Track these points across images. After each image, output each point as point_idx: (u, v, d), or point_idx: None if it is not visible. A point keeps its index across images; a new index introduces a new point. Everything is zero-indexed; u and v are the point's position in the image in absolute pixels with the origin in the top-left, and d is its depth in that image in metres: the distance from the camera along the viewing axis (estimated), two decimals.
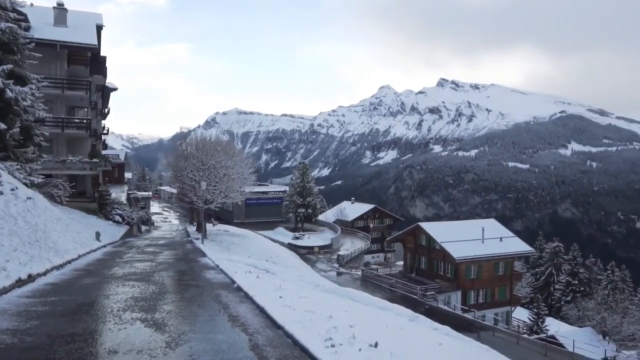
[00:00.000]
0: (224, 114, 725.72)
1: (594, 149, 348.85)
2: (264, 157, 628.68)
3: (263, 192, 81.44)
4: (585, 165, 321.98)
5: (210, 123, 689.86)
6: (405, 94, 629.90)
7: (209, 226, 45.64)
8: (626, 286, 72.12)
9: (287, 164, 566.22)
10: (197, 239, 35.57)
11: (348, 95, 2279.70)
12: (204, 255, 25.17)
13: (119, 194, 50.38)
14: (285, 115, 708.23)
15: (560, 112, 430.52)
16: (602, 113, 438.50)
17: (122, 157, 64.77)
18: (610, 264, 76.47)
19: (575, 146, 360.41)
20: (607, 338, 48.78)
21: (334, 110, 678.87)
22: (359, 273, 54.93)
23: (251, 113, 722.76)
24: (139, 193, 76.89)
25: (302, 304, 11.05)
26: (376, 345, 7.53)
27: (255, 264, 24.57)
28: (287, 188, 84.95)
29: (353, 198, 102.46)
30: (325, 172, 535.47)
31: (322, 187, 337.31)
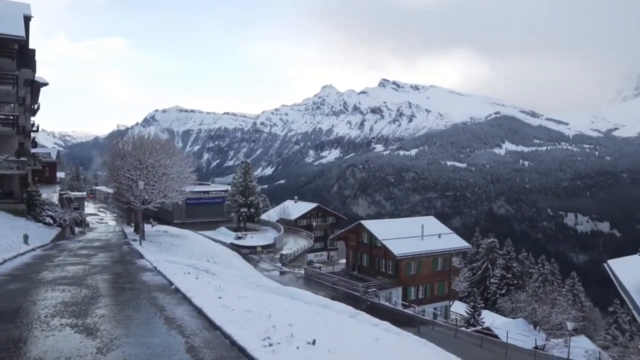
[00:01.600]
0: (164, 111, 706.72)
1: (526, 149, 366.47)
2: (206, 156, 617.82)
3: (204, 192, 79.97)
4: (518, 164, 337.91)
5: (149, 121, 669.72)
6: (347, 93, 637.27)
7: (147, 227, 44.32)
8: (555, 278, 76.41)
9: (230, 163, 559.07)
10: (135, 240, 34.43)
11: (291, 94, 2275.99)
12: (141, 257, 24.39)
13: (50, 194, 47.92)
14: (227, 113, 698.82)
15: (495, 113, 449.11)
16: (534, 114, 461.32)
17: (53, 156, 61.56)
18: (540, 258, 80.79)
19: (509, 146, 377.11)
20: (537, 328, 51.36)
21: (277, 109, 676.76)
22: (302, 272, 54.95)
23: (192, 111, 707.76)
24: (73, 193, 73.46)
25: (241, 304, 10.92)
26: (314, 342, 7.55)
27: (196, 264, 24.06)
28: (229, 187, 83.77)
29: (296, 197, 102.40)
30: (269, 171, 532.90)
31: (265, 186, 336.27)
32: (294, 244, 71.24)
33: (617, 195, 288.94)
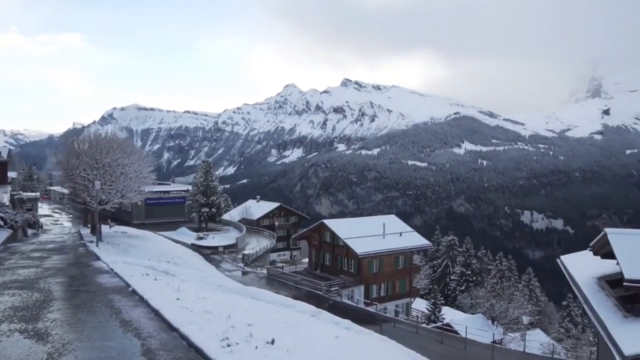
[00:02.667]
0: (122, 109, 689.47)
1: (484, 148, 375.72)
2: (166, 155, 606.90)
3: (164, 192, 78.47)
4: (477, 164, 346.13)
5: (107, 119, 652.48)
6: (310, 93, 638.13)
7: (104, 228, 43.14)
8: (512, 274, 78.60)
9: (191, 163, 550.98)
10: (91, 242, 33.47)
11: (254, 93, 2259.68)
12: (97, 258, 23.73)
13: (0, 195, 46.03)
14: (188, 112, 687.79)
15: (455, 113, 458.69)
16: (491, 115, 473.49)
17: (4, 155, 59.02)
18: (498, 255, 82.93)
19: (468, 145, 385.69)
20: (495, 323, 52.76)
21: (239, 108, 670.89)
22: (265, 272, 54.65)
23: (152, 109, 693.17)
24: (25, 194, 70.72)
25: (200, 305, 10.75)
26: (273, 342, 7.50)
27: (155, 266, 23.60)
28: (190, 187, 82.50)
29: (258, 197, 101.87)
30: (231, 170, 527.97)
31: (227, 185, 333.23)
32: (256, 244, 70.78)
33: (570, 193, 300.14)
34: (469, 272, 73.68)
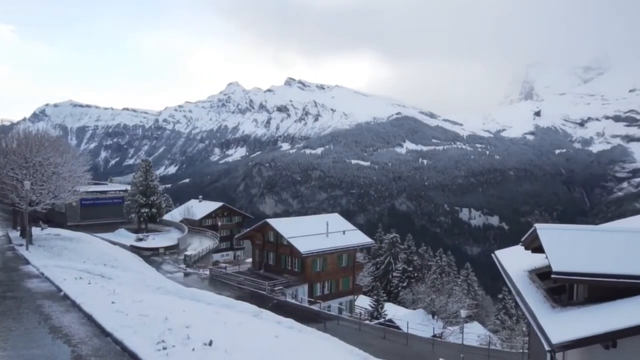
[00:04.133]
0: (56, 106, 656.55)
1: (424, 148, 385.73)
2: (104, 154, 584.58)
3: (101, 192, 75.64)
4: (418, 163, 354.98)
5: (39, 116, 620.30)
6: (254, 91, 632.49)
7: (36, 230, 41.00)
8: (451, 270, 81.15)
9: (130, 162, 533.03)
10: (21, 245, 31.73)
11: (196, 90, 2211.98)
12: (27, 262, 22.51)
13: None
14: (127, 109, 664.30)
15: (397, 113, 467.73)
16: (432, 115, 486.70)
17: None
18: (438, 251, 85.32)
19: (409, 145, 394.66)
20: (435, 317, 54.34)
21: (180, 106, 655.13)
22: (207, 272, 53.82)
23: (88, 106, 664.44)
24: None
25: (137, 308, 10.39)
26: (211, 343, 7.35)
27: (90, 269, 22.66)
28: (129, 187, 79.82)
29: (201, 196, 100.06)
30: (172, 169, 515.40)
31: (169, 185, 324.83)
32: (198, 245, 69.63)
33: (505, 191, 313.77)
34: (411, 269, 75.36)
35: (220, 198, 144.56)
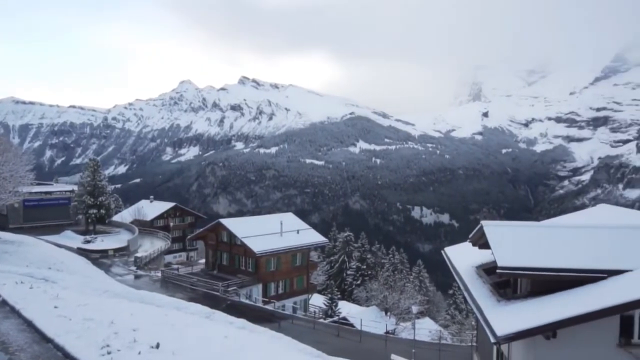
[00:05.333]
0: None
1: (377, 147, 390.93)
2: (49, 153, 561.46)
3: (46, 193, 72.80)
4: (371, 162, 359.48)
5: None
6: (207, 90, 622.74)
7: None
8: (404, 267, 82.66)
9: (77, 161, 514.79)
10: None
11: (147, 88, 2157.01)
12: None
13: None
14: (74, 106, 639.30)
15: (350, 113, 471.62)
16: (384, 115, 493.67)
17: None
18: (391, 249, 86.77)
19: (362, 144, 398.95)
20: (388, 314, 55.20)
21: (130, 104, 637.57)
22: (159, 274, 52.64)
23: (32, 103, 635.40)
24: None
25: (81, 312, 10.03)
26: (158, 346, 7.20)
27: (33, 273, 21.72)
28: (75, 187, 77.06)
29: (152, 197, 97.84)
30: (122, 169, 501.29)
31: (119, 185, 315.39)
32: (150, 246, 68.08)
33: (455, 189, 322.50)
34: (364, 267, 76.19)
35: (173, 198, 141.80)
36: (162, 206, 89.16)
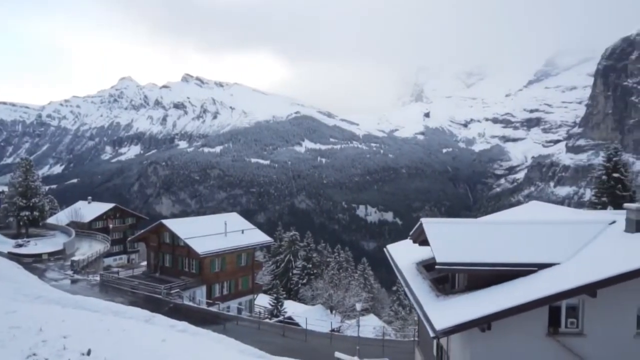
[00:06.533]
0: None
1: (323, 147, 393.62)
2: None
3: None
4: (317, 161, 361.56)
5: None
6: (148, 87, 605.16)
7: None
8: (349, 265, 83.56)
9: (8, 160, 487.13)
10: None
11: (84, 84, 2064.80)
12: None
13: None
14: (4, 103, 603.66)
15: (296, 112, 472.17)
16: (330, 115, 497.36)
17: None
18: (336, 247, 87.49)
19: (308, 144, 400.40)
20: (333, 312, 55.65)
21: (67, 100, 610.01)
22: (98, 278, 50.73)
23: None
24: None
25: (7, 320, 9.46)
26: (89, 353, 6.93)
27: None
28: (6, 188, 72.99)
29: (90, 197, 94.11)
30: (58, 169, 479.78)
31: (54, 186, 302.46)
32: (88, 249, 65.58)
33: (398, 188, 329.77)
34: (310, 266, 76.43)
35: (113, 199, 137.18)
36: (101, 207, 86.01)
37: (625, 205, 15.81)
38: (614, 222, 16.11)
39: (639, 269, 12.53)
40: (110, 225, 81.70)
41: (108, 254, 70.16)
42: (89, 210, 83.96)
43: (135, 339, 8.97)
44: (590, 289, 12.89)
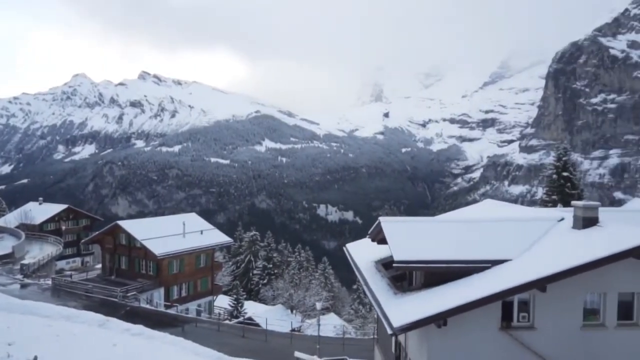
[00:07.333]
0: None
1: (283, 146, 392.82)
2: None
3: None
4: (277, 161, 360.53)
5: None
6: (103, 84, 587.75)
7: None
8: (309, 265, 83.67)
9: None
10: None
11: (35, 81, 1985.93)
12: None
13: None
14: None
15: (256, 112, 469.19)
16: (290, 114, 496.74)
17: None
18: (297, 247, 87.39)
19: (268, 143, 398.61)
20: (294, 311, 55.68)
21: (16, 97, 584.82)
22: (50, 282, 48.98)
23: None
24: None
25: None
26: (35, 359, 6.69)
27: None
28: None
29: (41, 198, 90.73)
30: (6, 169, 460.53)
31: (2, 186, 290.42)
32: (39, 252, 63.21)
33: (358, 187, 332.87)
34: (271, 266, 76.16)
35: (66, 200, 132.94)
36: (53, 208, 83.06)
37: (573, 203, 16.50)
38: (562, 219, 16.75)
39: (585, 264, 13.08)
40: (63, 227, 79.07)
41: (61, 257, 67.90)
42: (40, 211, 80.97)
43: (85, 344, 8.72)
44: (540, 284, 13.37)
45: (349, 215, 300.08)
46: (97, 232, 57.16)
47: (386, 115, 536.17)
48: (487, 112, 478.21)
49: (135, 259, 49.10)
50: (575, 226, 15.77)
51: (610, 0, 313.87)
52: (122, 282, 46.69)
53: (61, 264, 71.12)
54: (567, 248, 14.79)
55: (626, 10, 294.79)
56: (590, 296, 14.34)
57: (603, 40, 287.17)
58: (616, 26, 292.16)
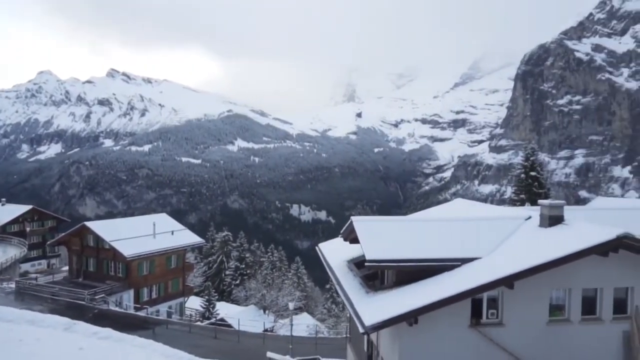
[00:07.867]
0: None
1: (256, 146, 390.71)
2: None
3: None
4: (250, 160, 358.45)
5: None
6: (70, 82, 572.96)
7: None
8: (282, 265, 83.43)
9: None
10: None
11: None
12: None
13: None
14: None
15: (228, 111, 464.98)
16: (263, 114, 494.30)
17: None
18: (270, 247, 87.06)
19: (240, 143, 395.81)
20: (267, 312, 55.47)
21: None
22: (14, 285, 47.62)
23: None
24: None
25: None
26: None
27: None
28: None
29: (4, 199, 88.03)
30: None
31: None
32: (1, 254, 61.53)
33: (331, 187, 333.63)
34: (244, 266, 75.68)
35: (31, 200, 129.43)
36: (16, 209, 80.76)
37: (540, 201, 16.87)
38: (529, 217, 17.11)
39: (551, 262, 13.39)
40: (28, 229, 76.95)
41: (25, 259, 66.11)
42: (3, 212, 78.66)
43: (49, 348, 8.48)
44: (508, 281, 13.62)
45: (322, 215, 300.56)
46: (63, 234, 55.80)
47: (359, 115, 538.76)
48: (457, 112, 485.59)
49: (103, 260, 48.15)
50: (542, 224, 16.13)
51: (578, 3, 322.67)
52: (90, 285, 45.74)
53: (26, 266, 69.27)
54: (534, 246, 15.11)
55: (590, 14, 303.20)
56: (555, 292, 14.70)
57: (569, 43, 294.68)
58: (581, 30, 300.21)
